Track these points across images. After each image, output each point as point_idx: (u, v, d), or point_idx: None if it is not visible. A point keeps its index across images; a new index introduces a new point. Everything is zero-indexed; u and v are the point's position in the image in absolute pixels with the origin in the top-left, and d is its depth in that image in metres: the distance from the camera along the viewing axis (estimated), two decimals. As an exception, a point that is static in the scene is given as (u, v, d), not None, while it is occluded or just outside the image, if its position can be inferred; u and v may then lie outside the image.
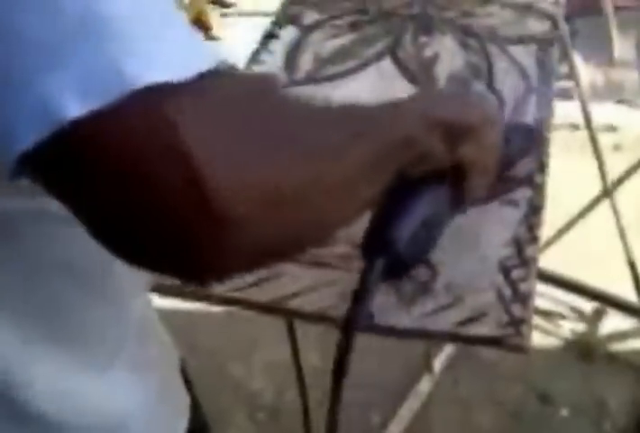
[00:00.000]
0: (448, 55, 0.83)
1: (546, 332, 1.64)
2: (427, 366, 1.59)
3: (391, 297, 0.60)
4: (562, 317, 1.71)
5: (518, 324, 0.58)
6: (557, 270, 1.54)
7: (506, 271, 0.62)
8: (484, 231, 0.65)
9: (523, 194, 0.68)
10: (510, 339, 0.57)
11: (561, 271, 1.56)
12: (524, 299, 0.60)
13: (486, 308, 0.59)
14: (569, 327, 1.69)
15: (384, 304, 0.59)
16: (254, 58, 0.84)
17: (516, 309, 0.59)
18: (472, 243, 0.64)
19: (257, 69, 0.83)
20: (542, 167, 0.71)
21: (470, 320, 0.58)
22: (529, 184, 0.69)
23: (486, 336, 0.58)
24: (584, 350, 1.63)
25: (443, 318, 0.58)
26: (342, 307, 0.59)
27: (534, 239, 0.65)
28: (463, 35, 0.86)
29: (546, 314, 1.66)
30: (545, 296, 1.63)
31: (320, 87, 0.80)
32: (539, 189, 0.69)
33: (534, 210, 0.67)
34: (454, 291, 0.60)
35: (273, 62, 0.83)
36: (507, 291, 0.61)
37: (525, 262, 0.63)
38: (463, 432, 1.51)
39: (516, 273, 0.62)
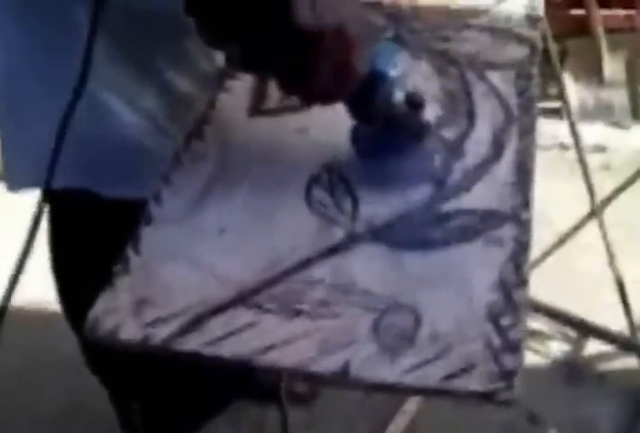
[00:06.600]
0: (425, 82, 0.79)
1: (534, 352, 1.63)
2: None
3: (372, 347, 0.56)
4: (550, 337, 1.70)
5: (509, 376, 0.54)
6: (545, 290, 1.52)
7: (494, 317, 0.58)
8: (469, 274, 0.61)
9: (508, 232, 0.65)
10: (500, 394, 0.54)
11: (549, 290, 1.55)
12: (514, 347, 0.57)
13: (473, 359, 0.55)
14: (556, 348, 1.68)
15: (364, 355, 0.56)
16: (221, 85, 0.81)
17: (507, 360, 0.56)
18: (457, 287, 0.60)
19: (224, 96, 0.79)
20: (526, 203, 0.67)
21: (458, 373, 0.55)
22: (514, 221, 0.66)
23: (474, 392, 0.54)
24: (572, 371, 1.63)
25: (429, 373, 0.55)
26: (322, 359, 0.56)
27: (523, 282, 0.61)
28: (440, 61, 0.82)
29: (533, 334, 1.65)
30: (532, 316, 1.62)
31: (292, 114, 0.77)
32: (525, 226, 0.65)
33: (521, 248, 0.63)
34: (440, 342, 0.56)
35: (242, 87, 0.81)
36: (496, 340, 0.57)
37: (515, 307, 0.59)
38: (450, 453, 1.48)
39: (505, 320, 0.58)
